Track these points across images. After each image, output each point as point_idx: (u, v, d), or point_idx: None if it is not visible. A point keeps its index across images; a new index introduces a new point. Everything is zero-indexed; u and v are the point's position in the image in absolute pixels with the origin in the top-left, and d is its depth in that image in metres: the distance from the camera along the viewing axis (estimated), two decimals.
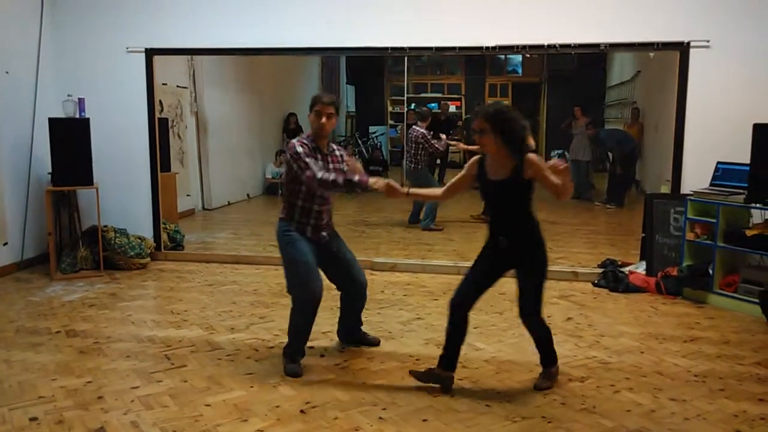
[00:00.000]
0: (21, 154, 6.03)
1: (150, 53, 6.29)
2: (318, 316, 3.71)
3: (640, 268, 5.64)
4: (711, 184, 5.30)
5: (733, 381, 3.59)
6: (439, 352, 3.49)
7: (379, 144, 14.89)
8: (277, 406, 3.23)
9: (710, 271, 5.06)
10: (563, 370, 3.70)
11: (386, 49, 6.07)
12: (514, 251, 3.33)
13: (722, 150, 5.33)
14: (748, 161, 4.89)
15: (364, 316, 4.15)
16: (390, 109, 15.99)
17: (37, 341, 4.15)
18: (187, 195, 8.94)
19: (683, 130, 5.60)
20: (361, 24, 5.97)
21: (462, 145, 8.93)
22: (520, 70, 16.29)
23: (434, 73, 16.27)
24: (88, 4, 6.33)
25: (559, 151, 13.71)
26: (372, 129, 15.27)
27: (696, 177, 5.44)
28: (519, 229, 3.33)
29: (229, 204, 9.99)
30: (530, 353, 3.96)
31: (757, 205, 4.83)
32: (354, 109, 16.00)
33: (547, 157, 14.56)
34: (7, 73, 5.82)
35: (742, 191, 4.97)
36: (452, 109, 14.35)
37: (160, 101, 7.46)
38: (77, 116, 5.83)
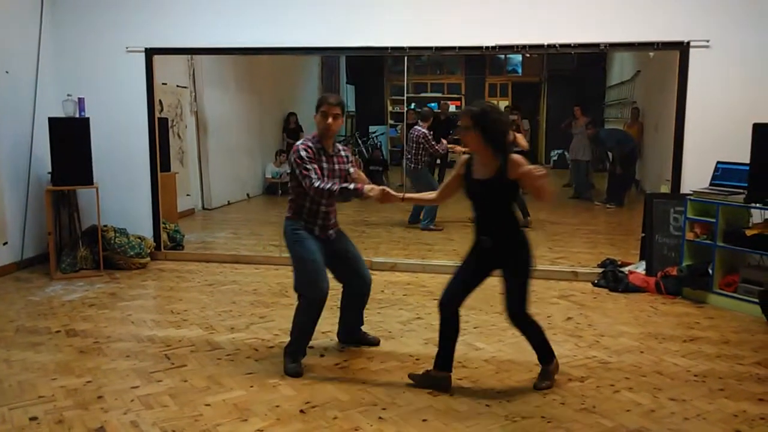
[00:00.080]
0: (21, 154, 6.03)
1: (150, 53, 6.29)
2: None
3: (640, 268, 5.64)
4: (711, 184, 5.30)
5: (732, 381, 3.59)
6: None
7: (379, 144, 14.87)
8: (277, 406, 3.23)
9: (710, 271, 5.06)
10: (563, 370, 3.70)
11: (386, 48, 6.07)
12: (498, 251, 3.35)
13: (722, 150, 5.33)
14: (747, 161, 4.89)
15: (364, 315, 4.15)
16: (390, 108, 15.97)
17: (37, 341, 4.15)
18: (187, 195, 8.93)
19: (683, 130, 5.60)
20: (360, 24, 5.98)
21: (459, 148, 8.91)
22: (519, 70, 16.28)
23: (434, 73, 16.26)
24: (87, 3, 6.33)
25: (559, 151, 13.74)
26: (372, 129, 15.24)
27: (696, 177, 5.44)
28: (503, 229, 3.35)
29: (228, 204, 9.99)
30: (530, 353, 3.95)
31: (757, 204, 4.83)
32: (354, 109, 15.98)
33: (548, 157, 14.59)
34: (7, 72, 5.83)
35: (741, 191, 4.97)
36: (452, 108, 14.34)
37: (160, 101, 7.45)
38: (77, 116, 5.83)
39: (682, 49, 5.51)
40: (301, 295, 3.68)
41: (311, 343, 3.86)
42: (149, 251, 6.29)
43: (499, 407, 3.24)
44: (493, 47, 5.87)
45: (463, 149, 8.08)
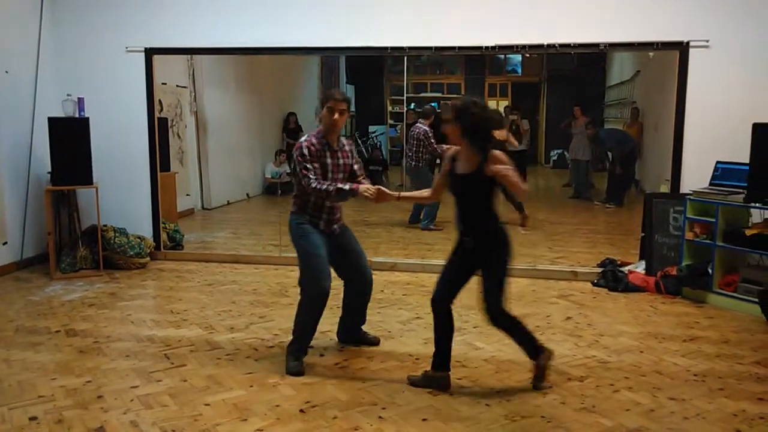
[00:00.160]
0: (20, 154, 6.03)
1: (149, 53, 6.29)
2: None
3: (640, 268, 5.64)
4: (710, 184, 5.30)
5: (732, 380, 3.59)
6: None
7: (378, 144, 14.86)
8: (277, 406, 3.23)
9: (709, 271, 5.06)
10: (563, 369, 3.71)
11: (386, 48, 6.07)
12: (479, 251, 3.34)
13: (722, 149, 5.33)
14: (747, 161, 4.90)
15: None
16: (390, 108, 15.97)
17: (37, 341, 4.15)
18: (187, 194, 8.93)
19: (683, 130, 5.60)
20: (360, 24, 5.98)
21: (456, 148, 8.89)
22: (519, 70, 16.27)
23: (434, 73, 16.24)
24: (87, 3, 6.33)
25: (559, 151, 13.74)
26: (372, 129, 15.24)
27: (695, 176, 5.45)
28: (482, 225, 3.34)
29: (228, 203, 9.99)
30: None
31: (757, 204, 4.83)
32: (353, 109, 15.97)
33: (547, 157, 14.59)
34: (6, 72, 5.83)
35: (741, 191, 4.97)
36: None
37: (160, 101, 7.45)
38: (77, 116, 5.83)
39: (681, 49, 5.51)
40: (303, 291, 3.70)
41: (311, 342, 3.86)
42: (149, 251, 6.29)
43: (498, 407, 3.24)
44: (493, 47, 5.87)
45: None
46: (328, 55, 10.52)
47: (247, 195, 10.71)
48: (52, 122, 5.70)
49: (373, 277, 4.00)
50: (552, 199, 11.50)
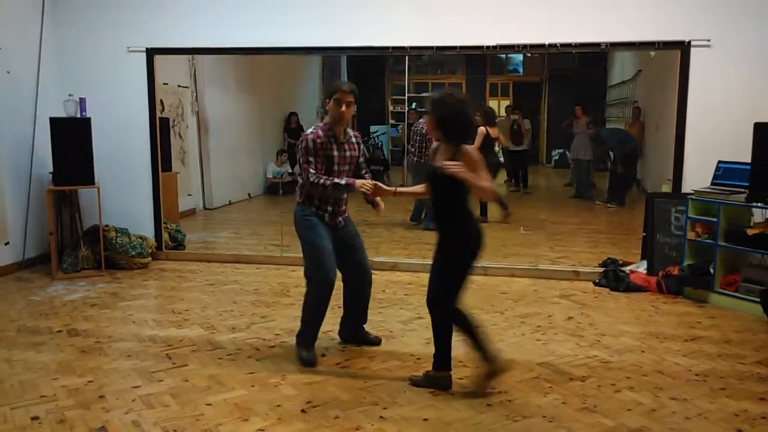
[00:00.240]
0: (22, 154, 6.04)
1: (151, 53, 6.29)
2: None
3: (641, 268, 5.64)
4: (712, 183, 5.29)
5: (734, 380, 3.59)
6: None
7: (380, 143, 14.87)
8: (278, 406, 3.24)
9: (711, 271, 5.06)
10: (564, 369, 3.71)
11: (387, 48, 6.07)
12: (440, 244, 3.34)
13: (723, 149, 5.32)
14: (749, 160, 4.89)
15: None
16: (391, 108, 15.97)
17: (39, 341, 4.16)
18: (188, 194, 8.94)
19: (684, 130, 5.59)
20: (361, 24, 5.97)
21: None
22: (521, 70, 16.27)
23: (435, 73, 16.25)
24: (89, 3, 6.33)
25: (560, 151, 13.73)
26: (373, 128, 15.24)
27: (697, 176, 5.44)
28: (447, 221, 3.32)
29: (230, 203, 10.00)
30: (531, 352, 3.97)
31: (758, 204, 4.83)
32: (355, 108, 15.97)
33: (549, 157, 14.59)
34: (8, 72, 5.83)
35: (743, 190, 4.96)
36: None
37: (161, 101, 7.46)
38: (78, 116, 5.83)
39: (683, 48, 5.51)
40: (310, 282, 3.74)
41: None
42: (150, 251, 6.29)
43: (500, 407, 3.24)
44: (494, 47, 5.87)
45: None
46: (329, 54, 10.53)
47: (249, 195, 10.72)
48: (54, 122, 5.70)
49: (375, 277, 4.01)
50: (553, 198, 11.49)
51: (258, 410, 3.19)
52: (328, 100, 3.76)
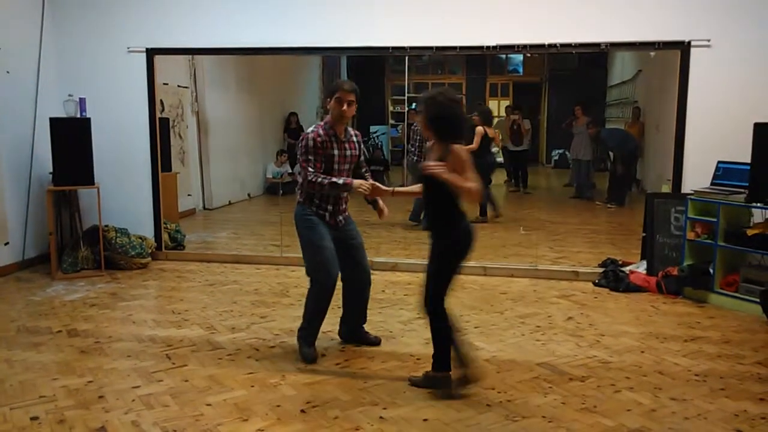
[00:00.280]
0: (22, 154, 6.04)
1: (151, 53, 6.29)
2: None
3: (641, 268, 5.64)
4: (712, 184, 5.29)
5: (733, 380, 3.59)
6: None
7: (380, 144, 14.88)
8: (278, 406, 3.24)
9: (711, 271, 5.06)
10: (564, 369, 3.71)
11: (387, 48, 6.07)
12: (431, 244, 3.34)
13: (723, 149, 5.32)
14: (748, 160, 4.89)
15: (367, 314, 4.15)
16: (391, 108, 15.98)
17: (39, 341, 4.16)
18: (188, 195, 8.95)
19: (684, 130, 5.59)
20: (361, 24, 5.97)
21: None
22: (521, 70, 16.28)
23: (435, 73, 16.26)
24: (88, 3, 6.33)
25: (560, 151, 13.73)
26: (373, 129, 15.25)
27: (697, 176, 5.44)
28: (436, 220, 3.32)
29: (230, 203, 10.00)
30: (530, 352, 3.97)
31: (758, 204, 4.83)
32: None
33: (549, 157, 14.59)
34: (8, 72, 5.83)
35: (742, 190, 4.96)
36: None
37: (161, 101, 7.46)
38: (78, 116, 5.83)
39: (683, 48, 5.51)
40: (313, 280, 3.76)
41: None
42: (150, 251, 6.29)
43: (499, 407, 3.24)
44: (494, 47, 5.87)
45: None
46: (329, 55, 10.55)
47: (249, 195, 10.72)
48: (54, 122, 5.70)
49: (375, 277, 4.02)
50: (553, 199, 11.50)
51: (257, 410, 3.19)
52: (329, 99, 3.77)
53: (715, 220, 5.00)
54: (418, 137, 7.96)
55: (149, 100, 6.35)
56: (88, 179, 5.80)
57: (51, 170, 5.91)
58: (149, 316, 4.70)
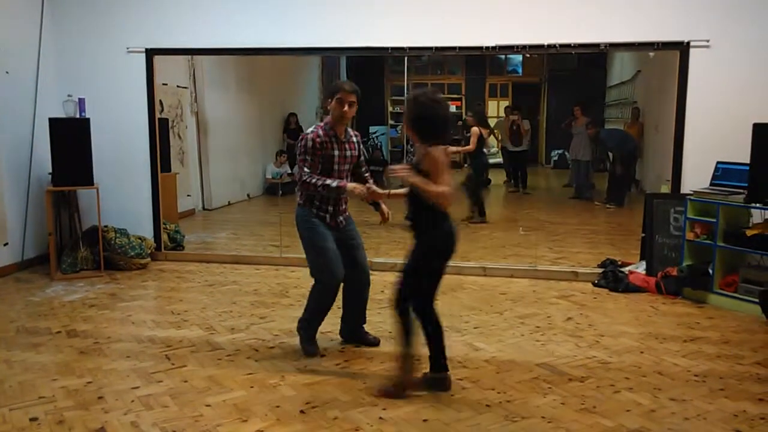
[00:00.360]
0: (21, 155, 6.03)
1: (150, 53, 6.29)
2: None
3: (640, 268, 5.64)
4: (711, 184, 5.29)
5: (733, 381, 3.59)
6: None
7: (379, 144, 14.87)
8: (277, 407, 3.23)
9: (710, 271, 5.06)
10: (563, 370, 3.71)
11: (386, 49, 6.07)
12: (413, 242, 3.34)
13: (722, 150, 5.32)
14: (748, 161, 4.89)
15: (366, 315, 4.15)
16: (390, 109, 15.97)
17: (38, 341, 4.15)
18: (188, 195, 8.94)
19: (683, 130, 5.60)
20: (361, 24, 5.98)
21: (452, 149, 8.82)
22: (520, 70, 16.27)
23: (434, 73, 16.25)
24: (88, 4, 6.33)
25: (560, 151, 13.73)
26: (372, 129, 15.25)
27: (696, 177, 5.44)
28: (419, 220, 3.32)
29: (229, 204, 9.99)
30: (530, 353, 3.97)
31: (757, 204, 4.83)
32: None
33: (548, 157, 14.58)
34: (7, 73, 5.83)
35: (742, 191, 4.97)
36: (453, 108, 14.35)
37: (161, 101, 7.45)
38: (77, 116, 5.84)
39: (682, 49, 5.51)
40: (317, 280, 3.80)
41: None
42: (149, 252, 6.29)
43: (499, 407, 3.24)
44: (494, 47, 5.87)
45: (456, 149, 8.21)
46: (328, 55, 10.53)
47: (248, 195, 10.72)
48: (53, 123, 5.70)
49: (374, 277, 4.03)
50: (553, 199, 11.49)
51: (257, 411, 3.18)
52: (329, 100, 3.78)
53: (714, 220, 5.01)
54: None
55: (148, 100, 6.36)
56: (88, 180, 5.80)
57: (50, 171, 5.91)
58: (148, 317, 4.69)
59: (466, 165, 9.14)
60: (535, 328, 4.45)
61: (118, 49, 6.29)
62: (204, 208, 9.49)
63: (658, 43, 5.57)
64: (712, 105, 5.47)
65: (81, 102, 5.87)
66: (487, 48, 5.88)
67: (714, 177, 5.31)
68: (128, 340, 4.20)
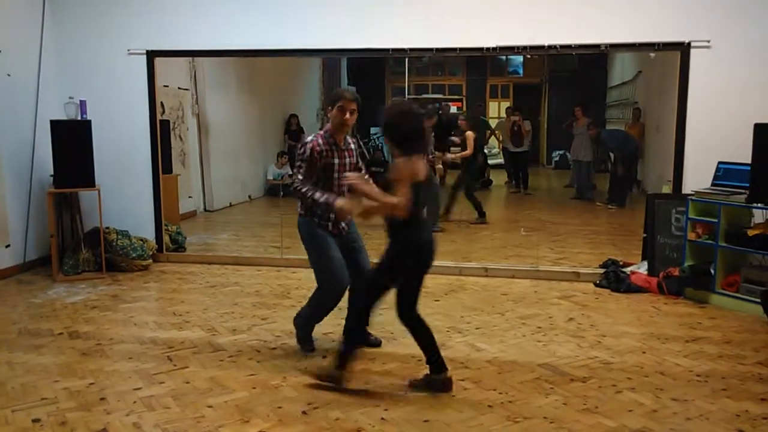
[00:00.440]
0: (23, 157, 6.04)
1: (151, 55, 6.30)
2: None
3: (642, 269, 5.64)
4: (712, 184, 5.29)
5: (734, 381, 3.59)
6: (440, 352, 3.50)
7: (380, 145, 14.88)
8: (279, 407, 3.24)
9: (712, 271, 5.06)
10: (565, 370, 3.71)
11: (387, 50, 6.07)
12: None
13: (723, 150, 5.32)
14: (749, 161, 4.89)
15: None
16: None
17: (40, 343, 4.16)
18: (189, 196, 8.95)
19: (684, 131, 5.60)
20: (361, 26, 5.98)
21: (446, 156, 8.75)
22: (521, 71, 16.31)
23: (435, 74, 16.28)
24: (89, 6, 6.34)
25: (561, 152, 13.74)
26: (373, 130, 15.26)
27: (697, 177, 5.44)
28: (392, 227, 3.36)
29: (230, 205, 10.01)
30: (532, 353, 3.98)
31: (759, 204, 4.83)
32: None
33: (549, 158, 14.59)
34: (8, 75, 5.84)
35: (743, 191, 4.96)
36: (453, 110, 14.38)
37: (162, 103, 7.47)
38: (79, 118, 5.84)
39: (683, 49, 5.51)
40: (323, 287, 3.83)
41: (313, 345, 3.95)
42: (151, 253, 6.29)
43: (501, 408, 3.24)
44: (494, 48, 5.87)
45: (454, 156, 8.27)
46: (329, 56, 10.56)
47: (249, 197, 10.73)
48: (55, 125, 5.71)
49: None
50: (554, 200, 11.50)
51: (259, 412, 3.19)
52: (330, 107, 3.78)
53: (715, 220, 5.00)
54: None
55: (150, 102, 6.36)
56: (89, 181, 5.81)
57: (52, 172, 5.91)
58: (150, 318, 4.70)
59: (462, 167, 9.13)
60: (536, 329, 4.45)
61: (119, 51, 6.30)
62: (205, 210, 9.51)
63: (658, 44, 5.57)
64: (713, 105, 5.47)
65: (82, 104, 5.88)
66: (488, 49, 5.88)
67: (715, 177, 5.31)
68: (130, 341, 4.20)
